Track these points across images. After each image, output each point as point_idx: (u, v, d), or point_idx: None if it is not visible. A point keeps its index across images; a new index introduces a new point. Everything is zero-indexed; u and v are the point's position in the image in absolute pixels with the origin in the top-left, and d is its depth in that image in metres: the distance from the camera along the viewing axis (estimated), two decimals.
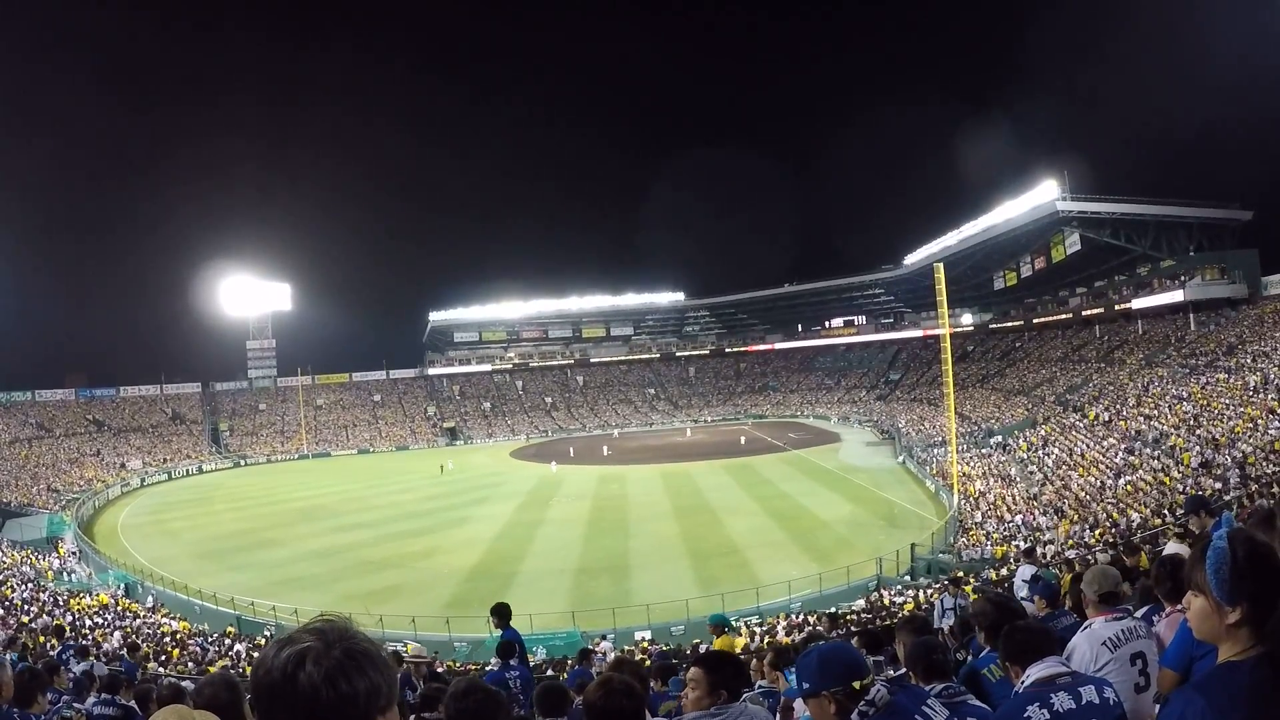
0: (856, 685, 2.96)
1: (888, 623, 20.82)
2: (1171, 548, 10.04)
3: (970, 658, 5.63)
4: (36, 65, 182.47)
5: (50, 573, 40.80)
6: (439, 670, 14.03)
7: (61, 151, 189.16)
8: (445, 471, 69.34)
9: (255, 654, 23.43)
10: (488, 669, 10.19)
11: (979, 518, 40.24)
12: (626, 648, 26.13)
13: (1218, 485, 28.04)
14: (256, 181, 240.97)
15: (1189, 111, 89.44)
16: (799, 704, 5.06)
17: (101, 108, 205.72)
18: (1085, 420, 47.75)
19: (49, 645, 18.43)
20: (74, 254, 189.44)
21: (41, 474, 76.71)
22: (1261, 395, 35.60)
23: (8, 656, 12.34)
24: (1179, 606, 4.56)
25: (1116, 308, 70.24)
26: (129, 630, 28.88)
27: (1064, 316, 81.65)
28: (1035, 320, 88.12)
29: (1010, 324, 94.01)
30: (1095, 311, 74.77)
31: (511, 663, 9.00)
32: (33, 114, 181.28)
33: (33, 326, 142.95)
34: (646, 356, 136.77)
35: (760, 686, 6.40)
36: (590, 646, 18.44)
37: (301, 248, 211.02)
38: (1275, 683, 1.89)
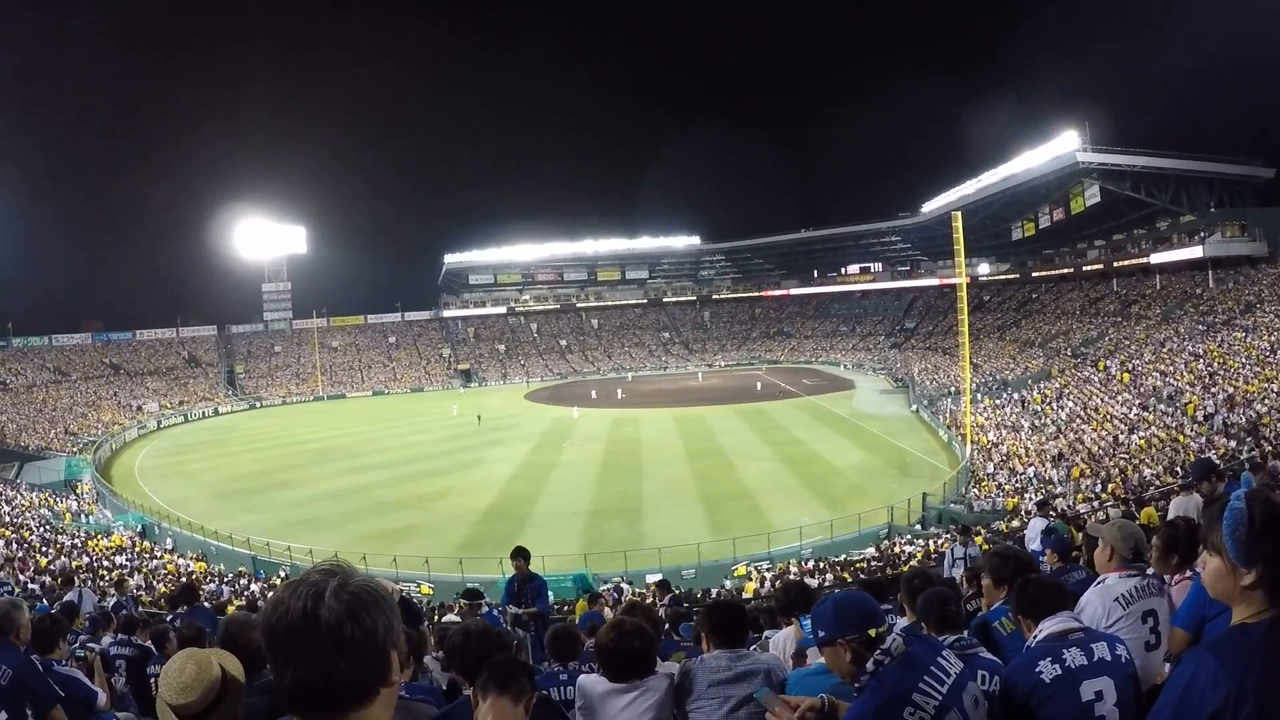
0: (872, 633, 2.98)
1: (893, 572, 20.96)
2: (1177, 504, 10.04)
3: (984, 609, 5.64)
4: (50, 10, 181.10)
5: (68, 515, 41.24)
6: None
7: (77, 97, 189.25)
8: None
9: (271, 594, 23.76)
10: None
11: (991, 469, 40.28)
12: (637, 590, 26.35)
13: (1232, 444, 27.96)
14: (271, 125, 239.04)
15: (1214, 66, 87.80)
16: (811, 652, 5.10)
17: (116, 52, 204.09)
18: (1100, 374, 47.54)
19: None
20: (89, 199, 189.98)
21: (59, 418, 77.48)
22: (1278, 355, 35.35)
23: (24, 599, 12.53)
24: (1188, 574, 4.59)
25: (1135, 262, 69.48)
26: (147, 571, 29.32)
27: (1081, 269, 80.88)
28: (1052, 272, 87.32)
29: (1027, 275, 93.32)
30: (1113, 265, 74.00)
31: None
32: (47, 60, 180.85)
33: (49, 272, 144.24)
34: (661, 300, 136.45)
35: (768, 635, 6.45)
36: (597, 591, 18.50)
37: (317, 191, 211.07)
38: None
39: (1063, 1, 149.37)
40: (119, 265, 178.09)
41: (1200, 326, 47.13)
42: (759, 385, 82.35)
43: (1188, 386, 36.98)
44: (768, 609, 7.96)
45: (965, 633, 4.11)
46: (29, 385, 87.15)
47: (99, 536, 35.43)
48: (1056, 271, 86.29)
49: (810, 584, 19.95)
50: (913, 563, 24.59)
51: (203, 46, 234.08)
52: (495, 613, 9.02)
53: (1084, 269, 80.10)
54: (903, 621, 5.13)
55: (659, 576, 28.08)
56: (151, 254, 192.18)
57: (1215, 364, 38.10)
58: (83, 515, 42.24)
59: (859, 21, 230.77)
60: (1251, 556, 2.00)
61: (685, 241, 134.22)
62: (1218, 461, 19.39)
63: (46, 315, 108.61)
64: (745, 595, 23.14)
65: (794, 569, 27.46)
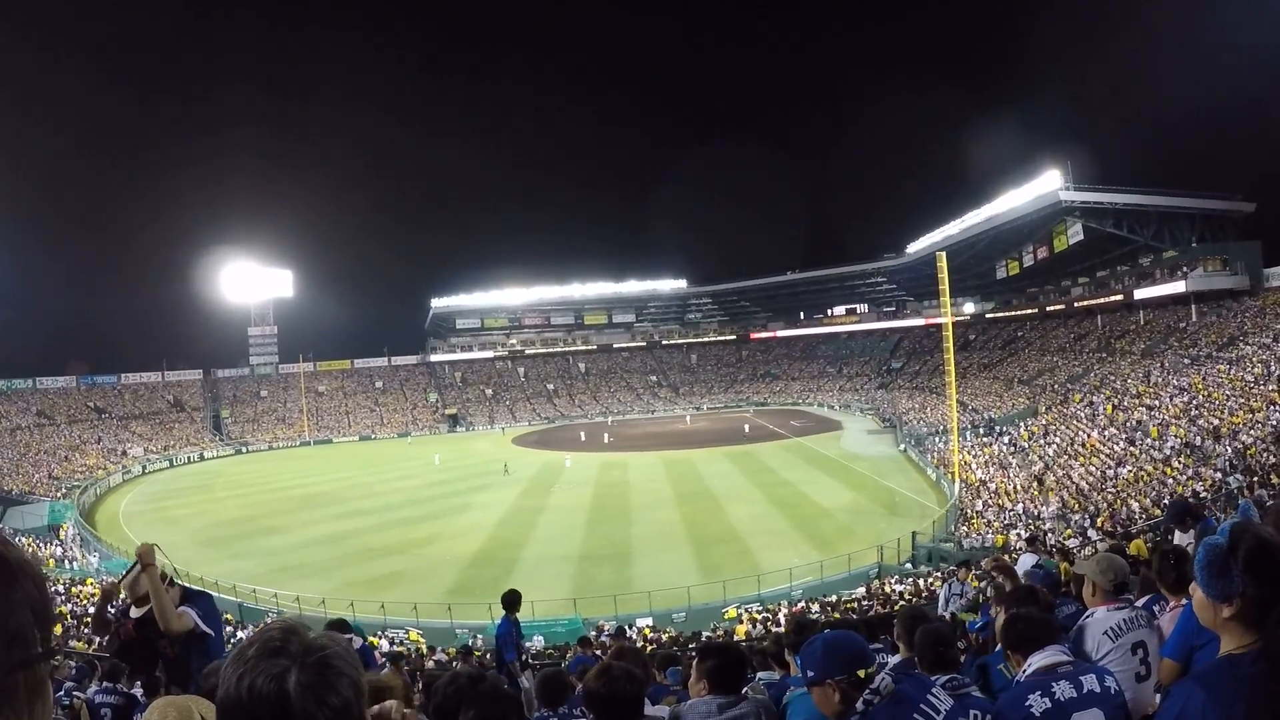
0: (861, 674, 2.96)
1: (886, 610, 20.87)
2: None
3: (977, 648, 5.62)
4: (38, 51, 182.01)
5: (51, 560, 40.78)
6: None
7: (64, 139, 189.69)
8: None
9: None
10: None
11: (979, 506, 40.25)
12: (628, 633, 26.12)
13: (1217, 475, 28.08)
14: (258, 168, 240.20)
15: (1193, 103, 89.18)
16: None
17: (102, 95, 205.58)
18: (1085, 409, 47.69)
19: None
20: (75, 241, 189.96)
21: (43, 461, 76.78)
22: (1262, 386, 35.60)
23: None
24: (1182, 601, 4.58)
25: (1118, 298, 69.97)
26: None
27: (1066, 306, 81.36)
28: (1037, 309, 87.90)
29: (1012, 313, 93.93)
30: (1097, 301, 74.44)
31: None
32: (34, 101, 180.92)
33: (34, 314, 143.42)
34: (649, 343, 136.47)
35: (762, 678, 6.41)
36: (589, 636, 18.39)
37: (303, 234, 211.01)
38: (1275, 677, 1.90)
39: (1044, 44, 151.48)
40: (104, 308, 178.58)
41: (1184, 360, 47.45)
42: (747, 427, 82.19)
43: (1173, 420, 37.16)
44: (762, 650, 7.89)
45: (958, 672, 4.09)
46: (13, 428, 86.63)
47: (84, 582, 35.02)
48: (1041, 309, 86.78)
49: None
50: (902, 602, 24.48)
51: (190, 89, 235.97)
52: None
53: (1068, 306, 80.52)
54: (894, 659, 5.10)
55: (649, 620, 28.09)
56: (137, 297, 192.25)
57: (1200, 397, 38.32)
58: (67, 561, 41.78)
59: (845, 62, 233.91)
60: (1223, 590, 2.01)
61: (672, 285, 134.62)
62: (1202, 495, 19.43)
63: (31, 357, 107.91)
64: (736, 637, 22.97)
65: (784, 611, 27.33)
